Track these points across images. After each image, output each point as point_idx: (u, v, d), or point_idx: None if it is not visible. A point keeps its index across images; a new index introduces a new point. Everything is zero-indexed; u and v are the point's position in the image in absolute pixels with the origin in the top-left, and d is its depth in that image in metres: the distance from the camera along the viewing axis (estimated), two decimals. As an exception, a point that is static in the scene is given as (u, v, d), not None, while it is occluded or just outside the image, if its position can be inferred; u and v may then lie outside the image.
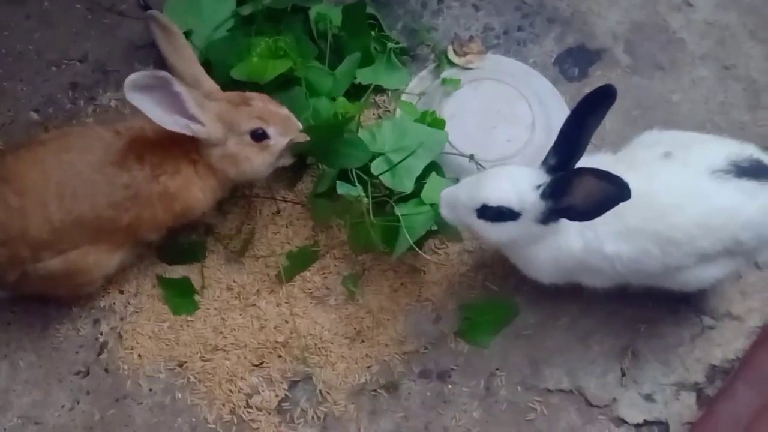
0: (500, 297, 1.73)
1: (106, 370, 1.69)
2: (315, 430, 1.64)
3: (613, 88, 1.40)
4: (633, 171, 1.47)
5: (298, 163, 1.77)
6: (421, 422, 1.65)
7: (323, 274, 1.76)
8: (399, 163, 1.65)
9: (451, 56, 1.96)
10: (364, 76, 1.85)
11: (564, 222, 1.46)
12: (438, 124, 1.75)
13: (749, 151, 1.50)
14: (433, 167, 1.70)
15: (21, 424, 1.64)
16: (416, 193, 1.64)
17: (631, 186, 1.44)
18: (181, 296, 1.72)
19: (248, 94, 1.62)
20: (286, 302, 1.72)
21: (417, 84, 1.94)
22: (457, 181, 1.72)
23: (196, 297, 1.73)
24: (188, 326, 1.71)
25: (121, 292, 1.75)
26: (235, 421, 1.64)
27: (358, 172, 1.64)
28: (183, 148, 1.58)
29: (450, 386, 1.67)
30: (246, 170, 1.62)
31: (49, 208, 1.52)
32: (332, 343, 1.70)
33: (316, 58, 1.83)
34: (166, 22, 1.63)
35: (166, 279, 1.74)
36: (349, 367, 1.68)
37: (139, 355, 1.69)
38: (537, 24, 2.05)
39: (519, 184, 1.43)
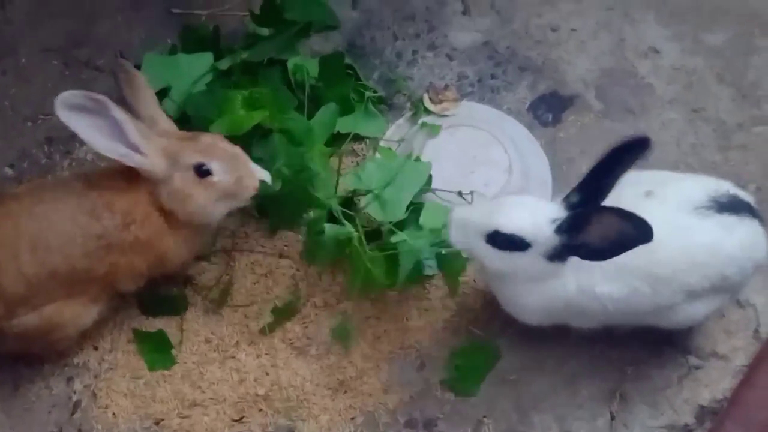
0: (482, 341, 1.71)
1: (80, 431, 1.63)
2: (299, 487, 1.59)
3: (649, 139, 1.40)
4: None
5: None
6: (409, 474, 1.61)
7: (304, 323, 1.73)
8: (383, 191, 1.69)
9: (427, 104, 1.99)
10: (342, 125, 1.87)
11: (563, 266, 1.45)
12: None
13: (725, 186, 1.52)
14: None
15: (-11, 491, 1.58)
16: (409, 224, 1.64)
17: None
18: (158, 350, 1.68)
19: (200, 132, 1.59)
20: (266, 353, 1.69)
21: (394, 131, 1.96)
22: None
23: (173, 351, 1.69)
24: (165, 382, 1.66)
25: (96, 348, 1.70)
26: (215, 480, 1.58)
27: (344, 209, 1.64)
28: (152, 196, 1.55)
29: (437, 436, 1.63)
30: (191, 209, 1.55)
31: (22, 262, 1.49)
32: (315, 395, 1.65)
33: (295, 108, 1.84)
34: (129, 68, 1.61)
35: (141, 332, 1.70)
36: (333, 419, 1.63)
37: (114, 414, 1.63)
38: (509, 72, 2.10)
39: (536, 215, 1.41)
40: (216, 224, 1.67)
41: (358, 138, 1.93)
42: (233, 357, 1.68)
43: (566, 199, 1.44)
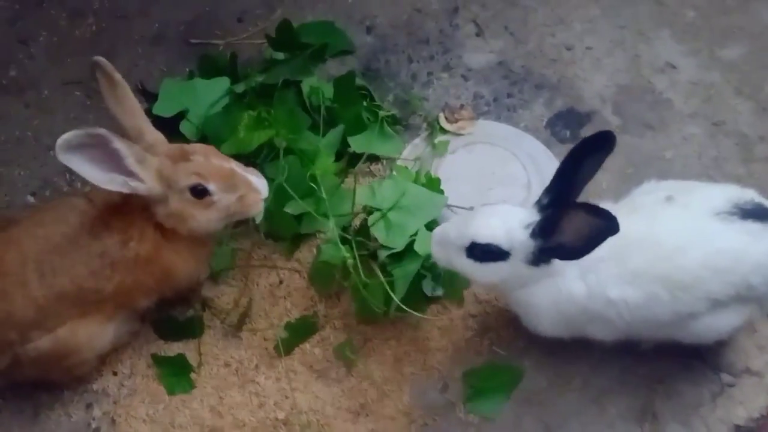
0: (503, 361, 1.67)
1: (99, 458, 1.60)
2: None
3: (612, 134, 1.40)
4: (635, 215, 1.46)
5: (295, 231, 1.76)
6: (434, 499, 1.56)
7: (323, 346, 1.70)
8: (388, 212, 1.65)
9: (443, 123, 1.98)
10: (356, 144, 1.87)
11: (562, 264, 1.43)
12: (433, 183, 1.75)
13: (750, 194, 1.49)
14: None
15: None
16: (407, 252, 1.62)
17: (633, 228, 1.42)
18: (177, 375, 1.66)
19: (190, 147, 1.54)
20: (285, 377, 1.66)
21: (411, 151, 1.96)
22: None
23: (193, 375, 1.67)
24: (184, 407, 1.64)
25: (115, 374, 1.69)
26: (236, 507, 1.55)
27: (341, 233, 1.63)
28: (145, 212, 1.53)
29: (462, 459, 1.59)
30: (194, 228, 1.53)
31: (30, 287, 1.48)
32: (335, 419, 1.62)
33: (310, 128, 1.84)
34: (111, 71, 1.53)
35: (160, 357, 1.69)
36: (355, 442, 1.60)
37: (133, 440, 1.61)
38: (525, 90, 2.09)
39: (509, 222, 1.40)
40: (217, 235, 1.65)
41: (375, 159, 1.93)
42: (253, 381, 1.66)
43: (538, 202, 1.43)
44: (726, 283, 1.43)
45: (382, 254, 1.62)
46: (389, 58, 2.15)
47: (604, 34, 2.19)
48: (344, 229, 1.75)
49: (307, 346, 1.70)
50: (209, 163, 1.51)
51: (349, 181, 1.85)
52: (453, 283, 1.66)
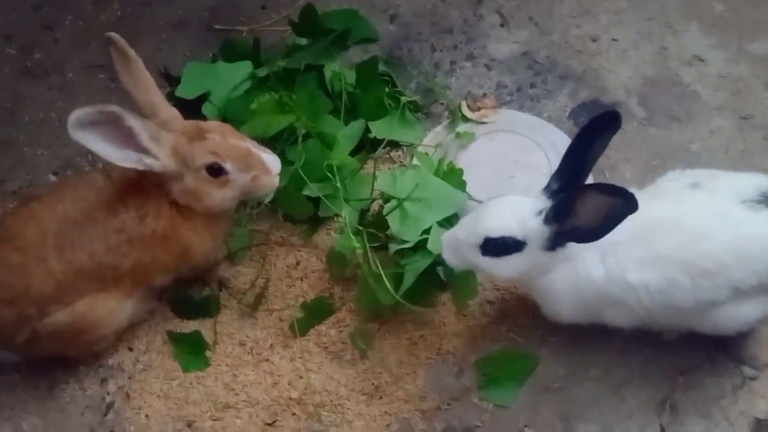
0: (518, 349, 1.64)
1: (112, 432, 1.61)
2: (332, 495, 1.53)
3: (617, 113, 1.38)
4: (659, 200, 1.43)
5: (313, 213, 1.75)
6: (446, 485, 1.54)
7: (339, 328, 1.69)
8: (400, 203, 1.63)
9: (465, 111, 1.97)
10: (377, 130, 1.86)
11: (581, 247, 1.40)
12: (454, 173, 1.73)
13: None
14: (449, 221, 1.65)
15: (21, 492, 1.55)
16: (419, 247, 1.59)
17: (657, 212, 1.40)
18: (192, 352, 1.66)
19: (206, 124, 1.53)
20: (300, 357, 1.65)
21: (432, 139, 1.95)
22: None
23: (208, 353, 1.66)
24: (198, 383, 1.63)
25: (131, 350, 1.69)
26: (247, 485, 1.54)
27: (355, 224, 1.62)
28: (160, 189, 1.53)
29: (476, 445, 1.57)
30: (209, 206, 1.53)
31: (49, 262, 1.49)
32: (349, 400, 1.60)
33: (331, 113, 1.84)
34: (124, 47, 1.52)
35: (176, 334, 1.69)
36: (367, 425, 1.58)
37: (147, 416, 1.61)
38: (549, 81, 2.07)
39: (520, 211, 1.39)
40: (234, 214, 1.64)
41: (395, 145, 1.92)
42: (267, 360, 1.65)
43: (547, 187, 1.41)
44: (750, 271, 1.40)
45: (393, 247, 1.60)
46: (412, 47, 2.15)
47: (631, 26, 2.16)
48: (362, 213, 1.75)
49: (322, 327, 1.69)
50: (226, 142, 1.50)
51: (369, 166, 1.84)
52: (460, 291, 1.63)
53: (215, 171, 1.50)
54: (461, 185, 1.72)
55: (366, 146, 1.88)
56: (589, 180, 1.84)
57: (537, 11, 2.20)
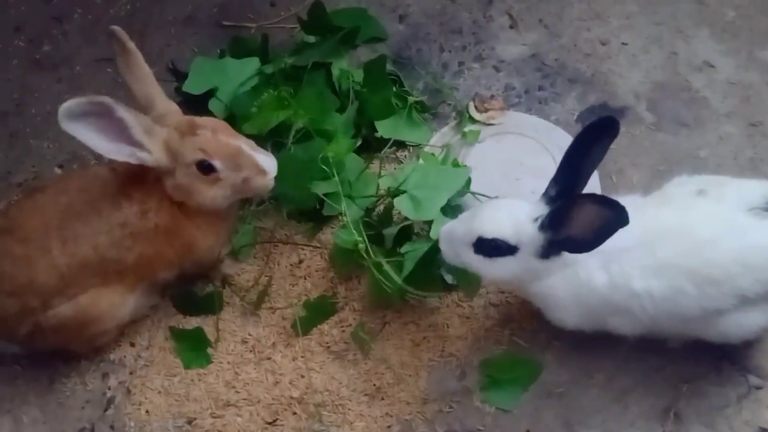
0: (523, 354, 1.64)
1: (112, 428, 1.60)
2: (331, 496, 1.52)
3: (614, 119, 1.37)
4: (665, 207, 1.42)
5: (317, 212, 1.74)
6: (447, 488, 1.53)
7: (341, 327, 1.68)
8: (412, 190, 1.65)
9: (473, 112, 1.96)
10: (384, 129, 1.86)
11: (582, 254, 1.39)
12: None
13: None
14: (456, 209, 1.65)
15: (20, 485, 1.55)
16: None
17: (662, 220, 1.39)
18: (194, 349, 1.65)
19: (200, 120, 1.50)
20: (302, 356, 1.65)
21: (438, 139, 1.94)
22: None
23: (210, 350, 1.66)
24: (200, 380, 1.63)
25: (133, 345, 1.69)
26: (246, 484, 1.53)
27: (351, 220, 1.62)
28: (161, 184, 1.52)
29: (477, 449, 1.56)
30: (201, 203, 1.51)
31: (53, 254, 1.48)
32: (350, 401, 1.60)
33: (338, 111, 1.83)
34: (125, 40, 1.52)
35: (179, 331, 1.68)
36: (368, 426, 1.57)
37: (147, 411, 1.60)
38: (558, 84, 2.06)
39: (516, 216, 1.38)
40: (238, 210, 1.63)
41: (402, 145, 1.92)
42: (269, 358, 1.65)
43: (545, 194, 1.39)
44: (757, 280, 1.38)
45: (389, 237, 1.60)
46: (421, 47, 2.14)
47: (641, 31, 2.15)
48: (368, 212, 1.74)
49: (325, 327, 1.68)
50: (216, 139, 1.48)
51: (375, 166, 1.83)
52: (467, 278, 1.61)
53: (205, 168, 1.48)
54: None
55: (372, 145, 1.87)
56: (596, 184, 1.87)
57: (547, 14, 2.19)
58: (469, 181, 1.71)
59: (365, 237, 1.57)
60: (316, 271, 1.75)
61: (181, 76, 1.95)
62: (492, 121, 1.95)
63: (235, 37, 2.07)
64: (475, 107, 1.97)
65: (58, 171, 1.95)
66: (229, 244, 1.73)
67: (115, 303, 1.56)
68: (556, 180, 1.39)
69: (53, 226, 1.50)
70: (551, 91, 2.05)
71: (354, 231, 1.58)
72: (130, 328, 1.68)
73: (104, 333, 1.61)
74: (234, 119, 1.78)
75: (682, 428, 1.57)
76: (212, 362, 1.65)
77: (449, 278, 1.67)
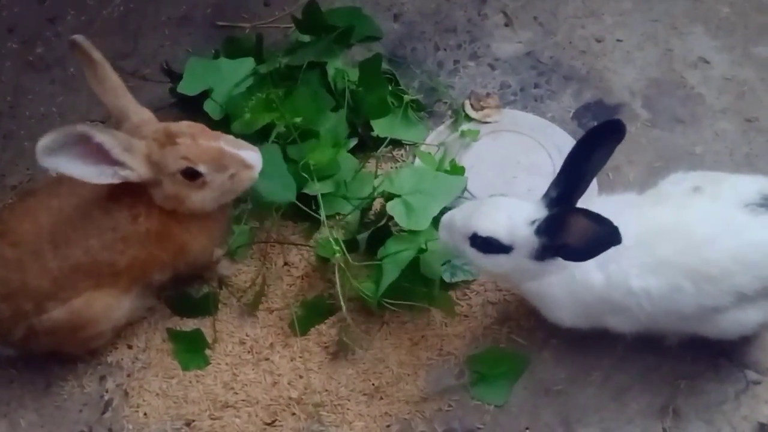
0: (510, 348, 1.63)
1: (110, 430, 1.60)
2: (331, 496, 1.52)
3: (621, 122, 1.36)
4: (660, 206, 1.42)
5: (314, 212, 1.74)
6: (446, 487, 1.53)
7: (339, 327, 1.67)
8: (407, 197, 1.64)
9: (469, 111, 1.96)
10: (380, 128, 1.85)
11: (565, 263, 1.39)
12: (457, 171, 1.73)
13: None
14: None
15: (17, 489, 1.54)
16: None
17: (659, 218, 1.39)
18: (192, 350, 1.65)
19: (176, 127, 1.46)
20: (300, 356, 1.64)
21: (435, 138, 1.93)
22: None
23: (207, 351, 1.65)
24: (198, 382, 1.62)
25: (130, 347, 1.68)
26: (245, 486, 1.53)
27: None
28: (148, 191, 1.49)
29: (476, 447, 1.56)
30: (192, 208, 1.49)
31: (45, 257, 1.47)
32: (349, 400, 1.59)
33: (333, 110, 1.83)
34: (89, 49, 1.48)
35: (176, 332, 1.68)
36: (368, 426, 1.57)
37: (145, 414, 1.60)
38: (553, 81, 2.06)
39: (513, 217, 1.38)
40: (227, 208, 1.61)
41: (398, 144, 1.91)
42: (267, 359, 1.64)
43: (546, 195, 1.39)
44: (754, 277, 1.38)
45: (362, 241, 1.61)
46: (416, 46, 2.14)
47: (636, 28, 2.15)
48: (363, 212, 1.74)
49: (323, 327, 1.68)
50: (197, 144, 1.45)
51: (371, 165, 1.83)
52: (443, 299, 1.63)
53: (191, 175, 1.46)
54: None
55: (368, 145, 1.87)
56: (593, 182, 1.86)
57: (542, 11, 2.19)
58: (464, 190, 1.70)
59: (343, 247, 1.57)
60: (313, 271, 1.74)
61: (175, 76, 1.95)
62: (488, 119, 1.95)
63: (230, 37, 2.06)
64: (471, 105, 1.97)
65: (52, 173, 1.93)
66: (224, 245, 1.72)
67: (109, 306, 1.54)
68: (557, 182, 1.38)
69: (45, 230, 1.49)
70: (547, 89, 2.05)
71: (332, 240, 1.57)
72: (127, 330, 1.68)
73: (99, 335, 1.60)
74: (229, 120, 1.78)
75: (680, 425, 1.57)
76: (210, 364, 1.64)
77: (447, 276, 1.67)
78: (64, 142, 1.36)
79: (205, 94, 1.85)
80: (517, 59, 2.10)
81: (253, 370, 1.63)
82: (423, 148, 1.88)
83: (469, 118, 1.95)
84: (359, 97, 1.87)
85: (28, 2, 2.27)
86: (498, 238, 1.38)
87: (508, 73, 2.08)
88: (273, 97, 1.74)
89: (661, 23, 2.16)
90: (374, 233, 1.63)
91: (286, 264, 1.76)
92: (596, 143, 1.36)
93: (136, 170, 1.43)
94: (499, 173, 1.81)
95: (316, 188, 1.69)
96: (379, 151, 1.84)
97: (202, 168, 1.45)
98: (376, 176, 1.75)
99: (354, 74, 1.91)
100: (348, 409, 1.58)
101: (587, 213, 1.29)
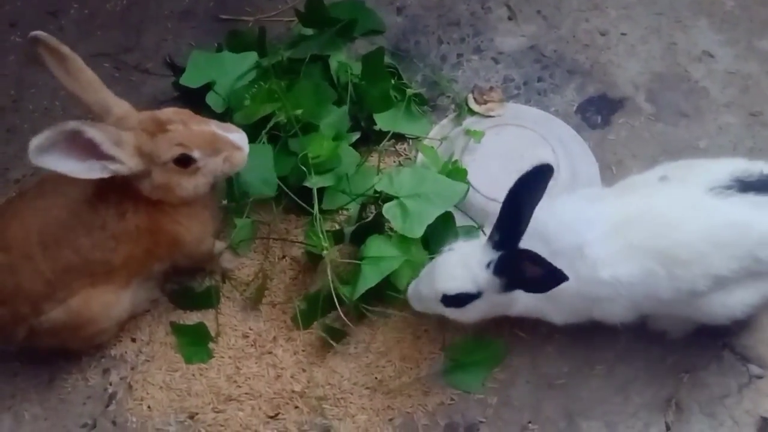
0: (487, 337, 1.63)
1: (114, 423, 1.60)
2: (333, 489, 1.52)
3: (548, 166, 1.37)
4: (627, 195, 1.43)
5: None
6: (449, 480, 1.53)
7: (342, 321, 1.67)
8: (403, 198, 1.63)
9: (472, 104, 1.95)
10: (383, 122, 1.85)
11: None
12: (459, 172, 1.72)
13: (758, 167, 1.43)
14: (448, 217, 1.64)
15: (22, 481, 1.55)
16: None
17: (626, 207, 1.41)
18: (195, 344, 1.65)
19: (163, 114, 1.44)
20: (303, 350, 1.64)
21: (438, 132, 1.93)
22: (479, 228, 1.69)
23: (211, 345, 1.65)
24: (201, 375, 1.63)
25: (134, 341, 1.68)
26: (248, 478, 1.53)
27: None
28: (133, 185, 1.47)
29: (479, 441, 1.56)
30: (183, 196, 1.47)
31: (36, 259, 1.45)
32: (352, 394, 1.60)
33: (335, 103, 1.82)
34: (56, 45, 1.40)
35: (180, 326, 1.68)
36: (370, 419, 1.57)
37: (149, 407, 1.60)
38: (557, 75, 2.06)
39: (469, 265, 1.41)
40: (213, 194, 1.59)
41: (401, 138, 1.91)
42: (270, 353, 1.64)
43: (490, 238, 1.41)
44: (729, 257, 1.37)
45: (347, 233, 1.61)
46: (419, 39, 2.13)
47: (640, 21, 2.14)
48: (363, 207, 1.73)
49: (326, 320, 1.67)
50: (189, 130, 1.43)
51: (374, 159, 1.83)
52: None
53: (184, 161, 1.44)
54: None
55: (371, 138, 1.87)
56: (596, 176, 1.86)
57: (545, 5, 2.18)
58: (464, 197, 1.69)
59: (329, 242, 1.57)
60: (315, 264, 1.74)
61: (178, 70, 1.94)
62: (491, 113, 1.94)
63: (233, 30, 2.06)
64: (474, 99, 1.97)
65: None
66: (225, 237, 1.72)
67: (108, 303, 1.54)
68: (498, 227, 1.40)
69: (33, 231, 1.46)
70: (550, 83, 2.04)
71: (321, 236, 1.57)
72: (131, 323, 1.68)
73: (102, 332, 1.59)
74: (231, 113, 1.78)
75: (683, 418, 1.57)
76: (213, 357, 1.64)
77: None
78: (57, 140, 1.34)
79: (208, 87, 1.85)
80: (521, 53, 2.10)
81: (256, 363, 1.63)
82: (426, 142, 1.88)
83: (472, 112, 1.94)
84: (362, 90, 1.86)
85: (31, -4, 2.27)
86: (466, 291, 1.42)
87: (512, 67, 2.07)
88: (275, 88, 1.73)
89: (665, 17, 2.15)
90: (360, 228, 1.62)
91: (288, 258, 1.76)
92: (529, 187, 1.37)
93: (127, 163, 1.40)
94: (503, 167, 1.80)
95: (314, 181, 1.68)
96: (381, 145, 1.84)
97: (196, 153, 1.44)
98: (378, 171, 1.74)
99: (357, 68, 1.90)
100: (351, 402, 1.59)
101: (528, 255, 1.32)
